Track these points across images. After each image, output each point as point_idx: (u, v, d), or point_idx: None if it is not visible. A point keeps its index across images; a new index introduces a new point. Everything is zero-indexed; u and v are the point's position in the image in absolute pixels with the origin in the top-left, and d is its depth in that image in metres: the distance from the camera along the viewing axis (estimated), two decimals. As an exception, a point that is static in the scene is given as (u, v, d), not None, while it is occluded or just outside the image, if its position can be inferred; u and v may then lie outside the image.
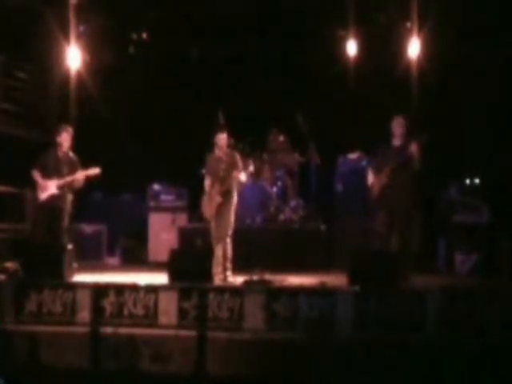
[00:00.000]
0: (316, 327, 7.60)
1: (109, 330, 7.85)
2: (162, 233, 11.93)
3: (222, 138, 9.35)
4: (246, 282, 8.34)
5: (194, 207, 10.96)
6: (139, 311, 7.95)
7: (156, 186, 12.24)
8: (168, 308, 7.89)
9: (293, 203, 11.68)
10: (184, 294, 7.87)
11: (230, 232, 9.22)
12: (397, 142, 9.07)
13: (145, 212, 12.19)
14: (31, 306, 8.16)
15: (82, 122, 11.16)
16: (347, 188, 11.70)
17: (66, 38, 11.47)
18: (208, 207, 9.28)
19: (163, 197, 12.20)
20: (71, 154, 9.73)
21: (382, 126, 9.28)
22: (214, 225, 9.27)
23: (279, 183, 11.87)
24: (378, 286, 7.74)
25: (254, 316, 7.71)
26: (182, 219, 11.99)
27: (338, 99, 12.12)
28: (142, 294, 7.97)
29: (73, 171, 9.58)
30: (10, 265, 8.99)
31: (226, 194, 9.22)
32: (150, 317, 7.92)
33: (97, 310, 7.98)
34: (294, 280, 9.08)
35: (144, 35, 13.03)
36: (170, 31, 12.77)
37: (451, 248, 10.63)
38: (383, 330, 7.46)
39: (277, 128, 12.00)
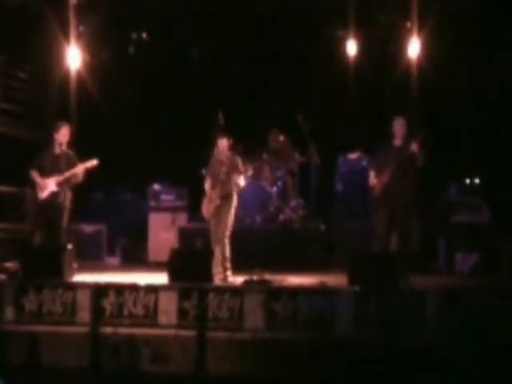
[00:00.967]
0: (316, 327, 7.60)
1: (109, 329, 7.86)
2: (162, 233, 11.93)
3: (222, 143, 9.36)
4: (245, 282, 8.34)
5: (194, 207, 10.96)
6: (139, 311, 7.95)
7: (156, 186, 12.25)
8: (168, 308, 7.89)
9: (293, 203, 11.68)
10: (184, 294, 7.87)
11: (227, 233, 9.22)
12: (398, 142, 9.08)
13: (145, 212, 12.20)
14: (31, 305, 8.16)
15: (82, 122, 11.16)
16: (347, 188, 11.71)
17: (66, 37, 11.48)
18: (207, 208, 9.29)
19: (163, 197, 12.20)
20: (69, 150, 9.73)
21: (382, 126, 9.29)
22: (212, 225, 9.28)
23: (279, 183, 11.87)
24: (377, 286, 7.74)
25: (254, 316, 7.71)
26: (182, 219, 11.99)
27: (338, 99, 12.12)
28: (142, 294, 7.97)
29: (71, 167, 9.57)
30: (10, 265, 9.00)
31: (226, 198, 9.24)
32: (150, 317, 7.91)
33: (97, 310, 7.98)
34: (294, 280, 9.08)
35: (144, 35, 13.04)
36: (170, 31, 12.78)
37: (451, 248, 10.64)
38: (383, 330, 7.47)
39: (277, 128, 11.99)
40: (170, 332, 7.76)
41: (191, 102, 12.62)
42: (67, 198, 9.61)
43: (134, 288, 8.03)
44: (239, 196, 9.63)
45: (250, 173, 9.72)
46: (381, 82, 11.75)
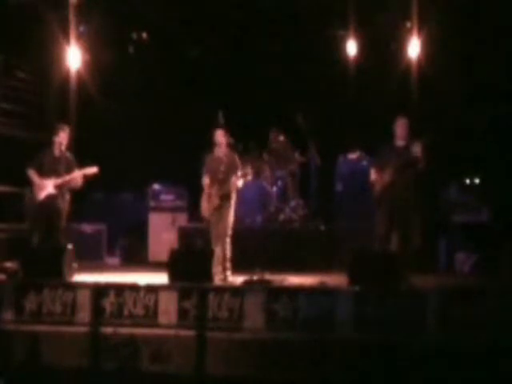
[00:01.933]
0: (316, 327, 7.60)
1: (109, 329, 7.85)
2: (162, 233, 11.91)
3: (220, 134, 9.34)
4: (246, 282, 8.35)
5: (194, 207, 10.95)
6: (139, 311, 7.95)
7: (156, 186, 12.24)
8: (168, 308, 7.89)
9: (293, 203, 11.68)
10: (184, 294, 7.87)
11: (229, 232, 9.23)
12: (400, 142, 9.05)
13: (145, 212, 12.19)
14: (31, 305, 8.16)
15: (82, 122, 11.16)
16: (347, 188, 11.69)
17: (66, 37, 11.48)
18: (206, 206, 9.28)
19: (163, 197, 12.19)
20: (68, 153, 9.73)
21: (382, 126, 9.28)
22: (212, 225, 9.28)
23: (279, 183, 11.87)
24: (377, 286, 7.74)
25: (254, 316, 7.71)
26: (182, 219, 11.98)
27: (338, 99, 12.12)
28: (141, 294, 7.97)
29: (69, 170, 9.58)
30: (9, 265, 9.00)
31: (225, 198, 9.23)
32: (150, 317, 7.91)
33: (97, 310, 7.97)
34: (294, 280, 9.08)
35: (144, 35, 13.04)
36: (170, 31, 12.78)
37: (451, 248, 10.63)
38: (383, 330, 7.46)
39: (277, 128, 11.99)
40: (170, 332, 7.76)
41: (191, 102, 12.61)
42: (65, 200, 9.62)
43: (134, 288, 8.03)
44: (239, 196, 9.63)
45: (250, 177, 9.69)
46: (381, 82, 11.74)
